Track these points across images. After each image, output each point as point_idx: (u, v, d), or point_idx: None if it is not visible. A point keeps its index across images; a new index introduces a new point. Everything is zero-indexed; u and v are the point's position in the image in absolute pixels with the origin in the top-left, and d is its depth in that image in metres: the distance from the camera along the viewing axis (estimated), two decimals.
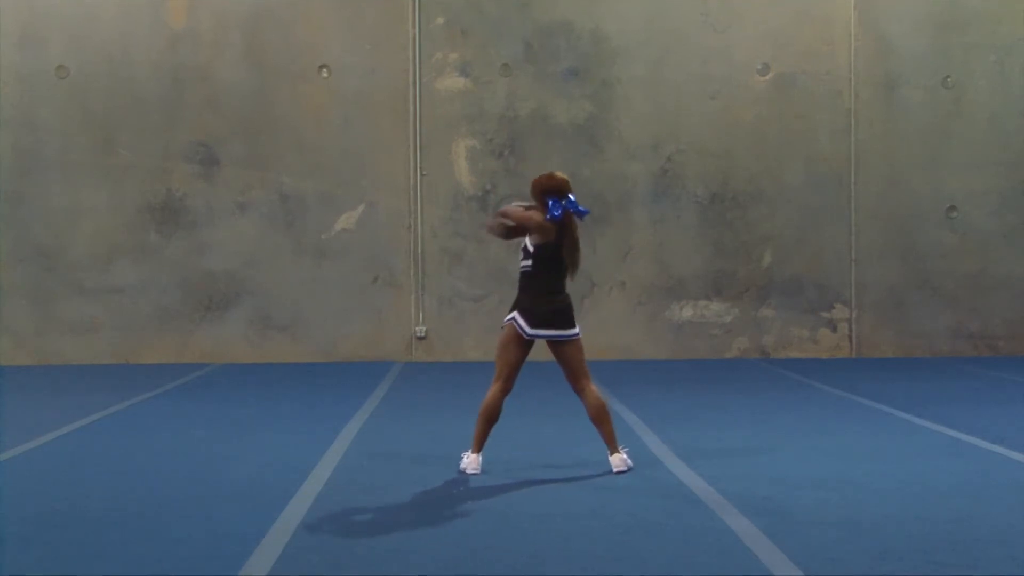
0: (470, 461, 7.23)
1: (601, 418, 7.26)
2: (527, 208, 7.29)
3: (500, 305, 13.45)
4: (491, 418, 7.24)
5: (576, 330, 7.28)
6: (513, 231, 7.40)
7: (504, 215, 7.41)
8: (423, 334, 14.08)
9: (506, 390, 7.25)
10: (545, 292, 7.22)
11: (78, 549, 5.57)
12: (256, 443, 8.44)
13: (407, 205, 14.09)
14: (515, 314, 7.22)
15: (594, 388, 7.29)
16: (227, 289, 14.07)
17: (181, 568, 5.24)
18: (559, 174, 7.33)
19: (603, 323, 14.11)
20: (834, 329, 14.31)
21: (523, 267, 7.30)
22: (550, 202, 7.16)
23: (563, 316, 7.24)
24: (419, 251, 14.10)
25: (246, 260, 14.08)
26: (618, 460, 7.24)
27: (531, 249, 7.23)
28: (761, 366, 13.45)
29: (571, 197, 7.20)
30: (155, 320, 14.01)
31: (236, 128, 14.05)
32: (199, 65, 14.04)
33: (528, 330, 7.16)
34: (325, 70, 14.09)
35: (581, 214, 7.23)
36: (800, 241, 14.31)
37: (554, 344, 7.25)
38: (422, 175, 14.10)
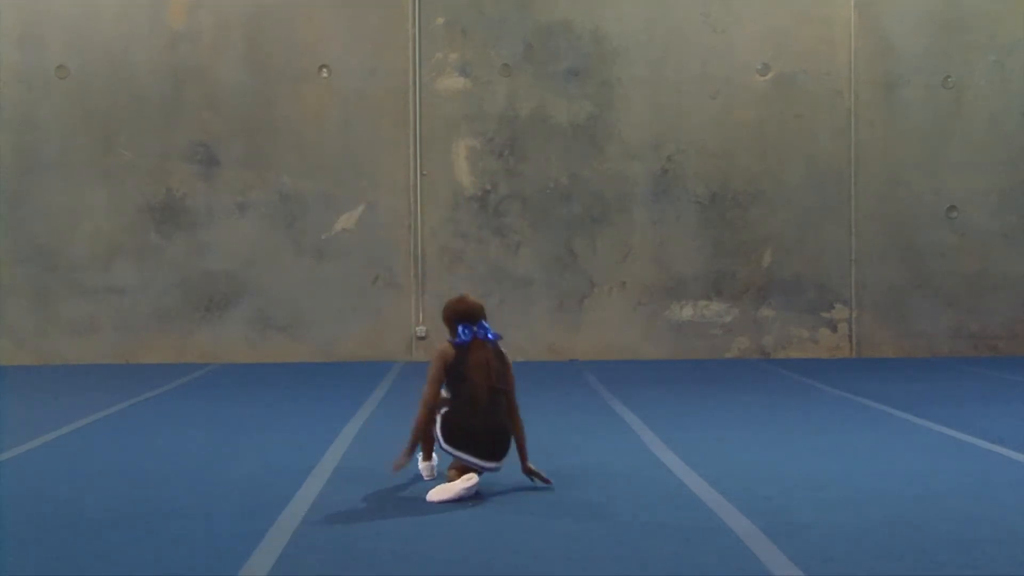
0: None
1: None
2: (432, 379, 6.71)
3: (500, 305, 13.46)
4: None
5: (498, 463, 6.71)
6: (434, 396, 6.69)
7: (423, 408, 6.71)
8: (423, 334, 14.08)
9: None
10: (468, 415, 6.63)
11: (78, 549, 5.57)
12: (256, 443, 8.44)
13: (407, 205, 14.10)
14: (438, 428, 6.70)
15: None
16: (227, 289, 14.07)
17: (181, 568, 5.23)
18: (471, 298, 6.89)
19: (603, 323, 14.13)
20: (834, 329, 14.31)
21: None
22: (460, 328, 6.74)
23: (490, 443, 6.65)
24: (419, 251, 14.11)
25: (246, 260, 14.08)
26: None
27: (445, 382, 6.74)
28: (761, 366, 13.44)
29: (484, 323, 6.78)
30: (155, 320, 14.01)
31: (236, 128, 14.05)
32: (199, 65, 14.05)
33: (443, 443, 6.66)
34: (325, 70, 14.09)
35: (492, 340, 6.75)
36: (800, 241, 14.31)
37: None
38: (422, 175, 14.10)
